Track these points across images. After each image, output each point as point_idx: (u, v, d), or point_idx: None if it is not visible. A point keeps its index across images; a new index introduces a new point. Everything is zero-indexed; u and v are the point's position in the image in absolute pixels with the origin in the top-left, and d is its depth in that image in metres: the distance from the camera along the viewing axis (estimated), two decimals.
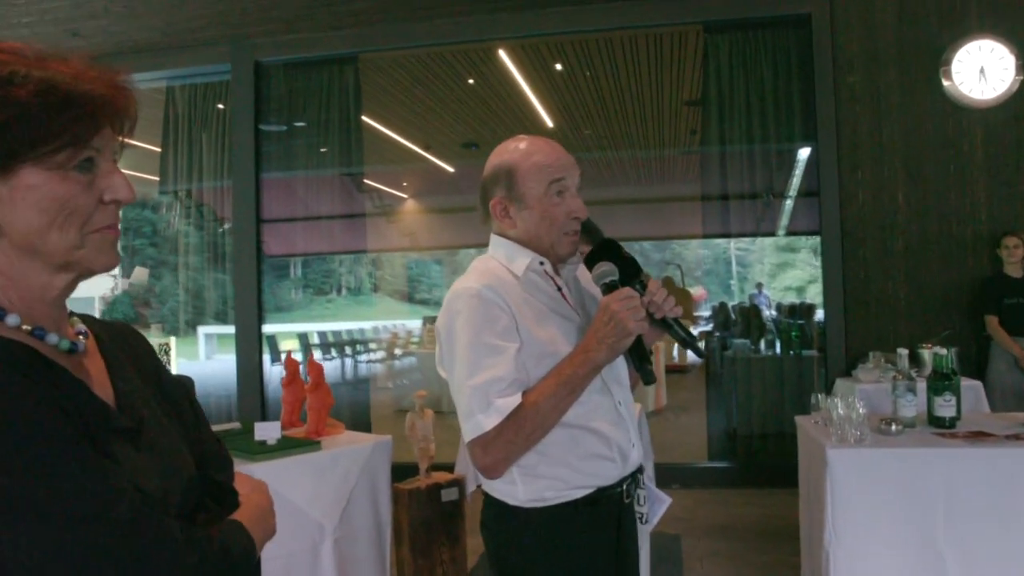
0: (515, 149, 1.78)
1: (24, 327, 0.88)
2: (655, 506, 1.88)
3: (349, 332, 14.63)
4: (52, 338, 0.91)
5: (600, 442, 1.70)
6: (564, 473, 1.67)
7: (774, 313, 13.51)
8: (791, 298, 18.88)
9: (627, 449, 1.75)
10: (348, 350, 13.58)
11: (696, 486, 5.76)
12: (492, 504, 1.75)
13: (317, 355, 12.16)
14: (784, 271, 21.76)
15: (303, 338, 13.18)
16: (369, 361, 13.66)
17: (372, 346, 14.35)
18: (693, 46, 6.64)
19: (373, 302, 21.14)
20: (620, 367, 1.82)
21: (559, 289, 1.78)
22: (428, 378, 10.56)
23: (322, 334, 13.73)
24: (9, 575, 0.77)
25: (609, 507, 1.72)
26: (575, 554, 1.68)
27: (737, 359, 7.08)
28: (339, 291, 22.86)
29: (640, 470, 1.82)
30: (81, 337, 0.97)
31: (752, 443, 6.43)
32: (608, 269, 1.70)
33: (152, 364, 1.10)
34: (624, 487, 1.75)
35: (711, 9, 5.77)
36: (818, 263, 5.92)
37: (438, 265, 21.38)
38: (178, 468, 0.98)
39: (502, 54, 6.95)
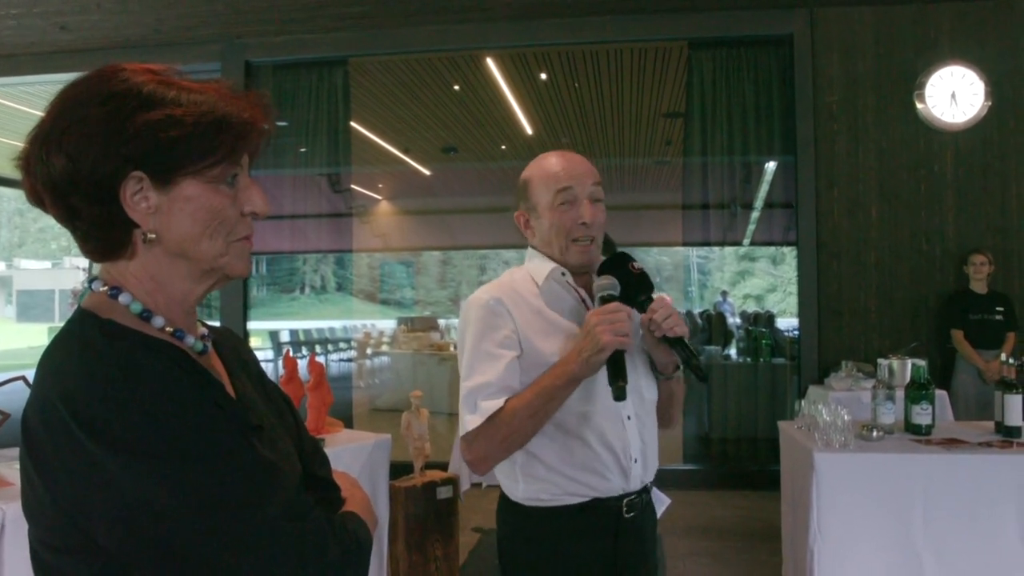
0: (533, 163, 1.86)
1: (167, 329, 0.97)
2: (655, 506, 1.93)
3: (320, 331, 14.61)
4: (189, 339, 0.99)
5: (594, 455, 1.73)
6: (558, 480, 1.74)
7: (738, 320, 13.84)
8: (751, 306, 19.27)
9: (627, 464, 1.76)
10: (319, 348, 13.57)
11: (672, 488, 5.90)
12: (502, 495, 1.85)
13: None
14: (744, 279, 22.17)
15: (274, 336, 13.15)
16: (341, 360, 13.65)
17: (342, 345, 14.35)
18: (676, 60, 6.82)
19: (349, 302, 21.08)
20: (640, 380, 1.81)
21: (583, 301, 1.81)
22: (401, 378, 10.63)
23: (293, 332, 13.69)
24: (181, 558, 0.85)
25: (605, 518, 1.76)
26: (569, 556, 1.76)
27: (711, 366, 7.28)
28: (307, 289, 22.77)
29: (647, 488, 1.85)
30: (205, 340, 1.05)
31: (726, 447, 6.62)
32: (608, 283, 1.71)
33: (256, 367, 1.18)
34: (625, 502, 1.77)
35: (697, 26, 5.94)
36: (776, 272, 6.12)
37: (406, 267, 21.38)
38: (293, 465, 1.05)
39: (489, 62, 7.06)
